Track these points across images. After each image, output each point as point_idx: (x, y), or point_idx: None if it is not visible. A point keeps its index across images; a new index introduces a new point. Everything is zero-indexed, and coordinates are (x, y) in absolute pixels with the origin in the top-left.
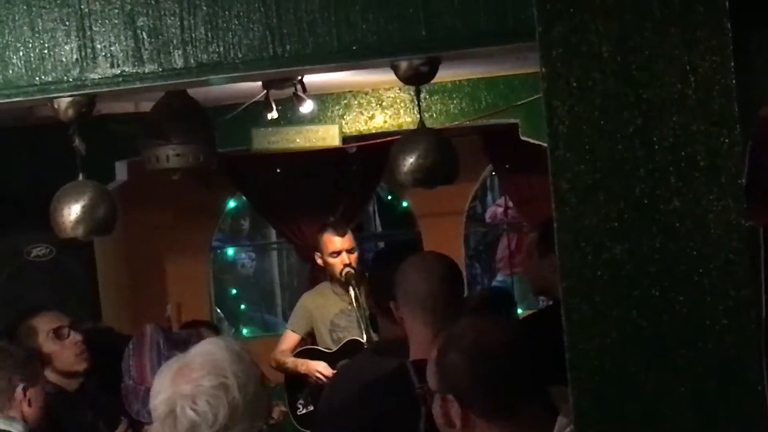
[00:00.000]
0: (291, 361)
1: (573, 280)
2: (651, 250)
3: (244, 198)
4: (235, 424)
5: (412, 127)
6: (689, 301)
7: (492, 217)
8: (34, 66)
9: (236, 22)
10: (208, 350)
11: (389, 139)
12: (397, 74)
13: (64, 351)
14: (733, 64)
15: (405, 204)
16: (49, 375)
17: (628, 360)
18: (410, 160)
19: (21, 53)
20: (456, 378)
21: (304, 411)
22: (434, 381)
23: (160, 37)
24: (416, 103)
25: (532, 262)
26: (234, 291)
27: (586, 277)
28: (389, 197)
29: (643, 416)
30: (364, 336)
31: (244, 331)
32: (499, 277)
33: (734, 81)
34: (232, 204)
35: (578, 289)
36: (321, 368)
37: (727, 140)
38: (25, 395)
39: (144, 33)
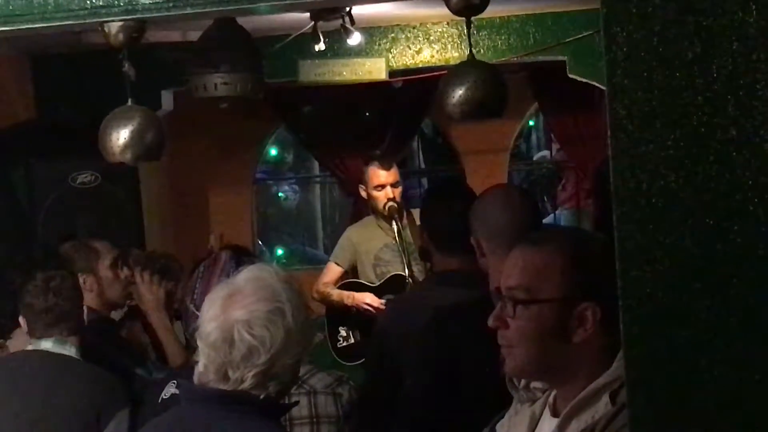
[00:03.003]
0: (336, 293)
1: (627, 207)
2: (706, 179)
3: (288, 130)
4: (289, 349)
5: (458, 62)
6: (743, 231)
7: None
8: None
9: None
10: (258, 276)
11: (436, 73)
12: (448, 6)
13: (116, 281)
14: None
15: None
16: (94, 301)
17: (680, 288)
18: (459, 92)
19: None
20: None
21: (344, 344)
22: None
23: None
24: (466, 35)
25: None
26: (276, 222)
27: (640, 204)
28: (433, 133)
29: (693, 345)
30: (407, 271)
31: (284, 263)
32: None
33: None
34: (276, 136)
35: (632, 216)
36: (369, 300)
37: None
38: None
39: None
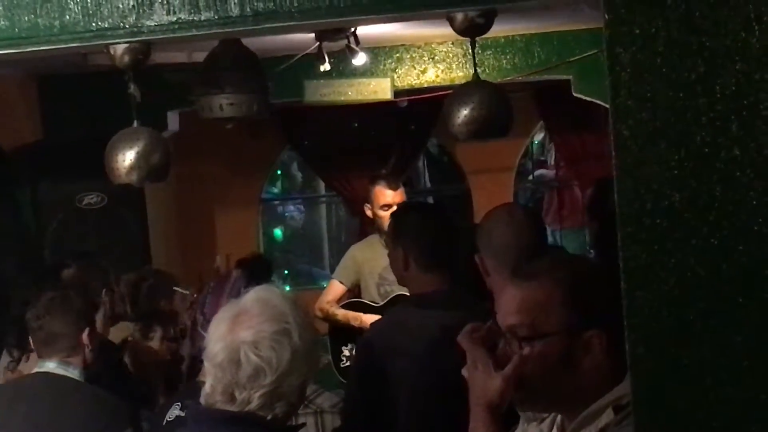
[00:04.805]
0: (341, 313)
1: (632, 227)
2: (711, 199)
3: (294, 150)
4: (295, 369)
5: (463, 81)
6: (748, 250)
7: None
8: (91, 12)
9: None
10: (264, 297)
11: (441, 93)
12: (452, 26)
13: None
14: None
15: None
16: None
17: (685, 308)
18: (464, 112)
19: None
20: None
21: (348, 364)
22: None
23: None
24: (471, 55)
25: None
26: (282, 243)
27: (644, 224)
28: (439, 152)
29: (698, 365)
30: None
31: (291, 283)
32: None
33: None
34: (283, 156)
35: (637, 236)
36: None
37: None
38: (89, 339)
39: None
